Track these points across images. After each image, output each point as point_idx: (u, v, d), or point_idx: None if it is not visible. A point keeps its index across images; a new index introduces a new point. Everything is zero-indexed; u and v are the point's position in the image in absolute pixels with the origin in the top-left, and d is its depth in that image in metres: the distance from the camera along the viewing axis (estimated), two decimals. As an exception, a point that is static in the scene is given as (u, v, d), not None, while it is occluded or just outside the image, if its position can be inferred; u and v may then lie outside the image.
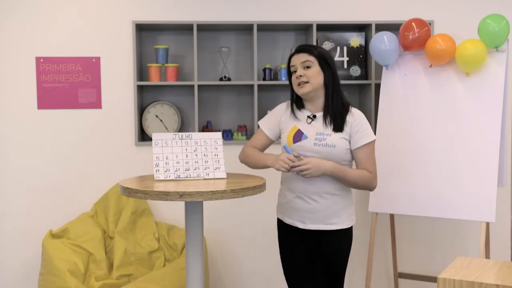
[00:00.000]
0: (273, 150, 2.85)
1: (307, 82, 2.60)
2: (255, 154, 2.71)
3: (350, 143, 2.62)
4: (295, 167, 2.51)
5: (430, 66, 3.37)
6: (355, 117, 2.63)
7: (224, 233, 3.83)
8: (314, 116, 2.65)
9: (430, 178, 3.27)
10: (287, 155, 2.54)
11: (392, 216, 3.69)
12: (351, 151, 2.64)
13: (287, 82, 3.04)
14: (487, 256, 3.55)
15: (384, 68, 3.51)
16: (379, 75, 3.73)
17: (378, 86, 3.70)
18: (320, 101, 2.65)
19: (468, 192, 3.17)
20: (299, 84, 2.62)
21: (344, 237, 2.66)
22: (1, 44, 3.66)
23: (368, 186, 2.64)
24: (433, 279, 3.58)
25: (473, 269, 2.06)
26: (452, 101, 3.29)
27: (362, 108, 3.90)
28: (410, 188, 3.31)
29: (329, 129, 2.60)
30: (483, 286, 1.91)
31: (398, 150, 3.38)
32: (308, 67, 2.61)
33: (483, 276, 1.97)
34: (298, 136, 2.63)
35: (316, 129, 2.62)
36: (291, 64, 2.68)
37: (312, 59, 2.62)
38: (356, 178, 2.59)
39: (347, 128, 2.61)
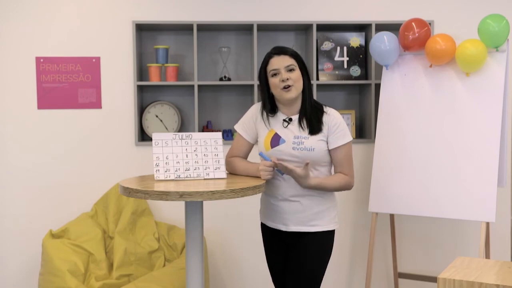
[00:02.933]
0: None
1: (291, 86, 2.53)
2: (240, 166, 2.66)
3: (327, 143, 2.58)
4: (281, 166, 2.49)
5: (430, 66, 3.37)
6: (332, 117, 2.59)
7: (224, 233, 3.83)
8: (290, 119, 2.61)
9: (430, 178, 3.27)
10: (264, 162, 2.52)
11: (392, 216, 3.69)
12: (329, 151, 2.61)
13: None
14: (487, 256, 3.55)
15: (384, 68, 3.51)
16: (379, 75, 3.73)
17: (378, 86, 3.70)
18: (297, 104, 2.61)
19: (468, 192, 3.17)
20: (284, 88, 2.53)
21: (324, 239, 2.61)
22: (1, 44, 3.66)
23: (346, 188, 2.63)
24: (433, 279, 3.58)
25: (473, 269, 2.06)
26: (452, 101, 3.29)
27: (362, 108, 3.91)
28: (410, 188, 3.31)
29: (305, 132, 2.57)
30: (483, 286, 1.91)
31: (398, 150, 3.38)
32: (292, 69, 2.55)
33: (483, 276, 1.98)
34: (276, 140, 2.59)
35: (293, 133, 2.58)
36: (272, 67, 2.55)
37: (294, 62, 2.56)
38: (335, 186, 2.58)
39: (324, 129, 2.57)
